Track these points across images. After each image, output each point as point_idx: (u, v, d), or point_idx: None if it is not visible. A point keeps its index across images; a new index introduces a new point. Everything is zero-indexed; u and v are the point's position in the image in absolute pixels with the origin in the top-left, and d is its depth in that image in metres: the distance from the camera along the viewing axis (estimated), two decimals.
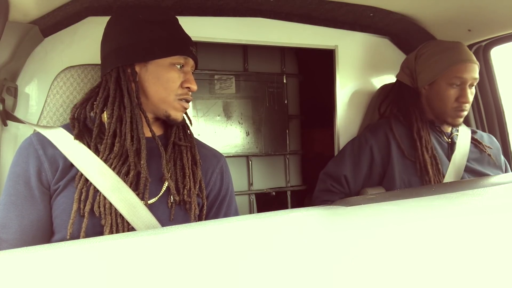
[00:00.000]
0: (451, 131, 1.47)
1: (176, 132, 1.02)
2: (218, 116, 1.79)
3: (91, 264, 0.45)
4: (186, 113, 1.09)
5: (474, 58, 1.37)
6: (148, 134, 0.99)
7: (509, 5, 1.34)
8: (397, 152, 1.36)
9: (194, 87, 0.98)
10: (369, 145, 1.38)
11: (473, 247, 0.45)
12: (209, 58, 1.76)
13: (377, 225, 0.57)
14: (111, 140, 0.91)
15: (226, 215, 1.09)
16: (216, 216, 1.07)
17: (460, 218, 0.57)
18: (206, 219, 1.03)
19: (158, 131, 1.03)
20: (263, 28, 1.50)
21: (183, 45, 0.98)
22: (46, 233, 0.90)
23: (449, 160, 1.38)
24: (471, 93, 1.37)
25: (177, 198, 0.95)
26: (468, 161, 1.40)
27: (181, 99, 0.98)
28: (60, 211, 0.88)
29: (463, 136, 1.46)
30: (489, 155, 1.47)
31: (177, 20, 1.02)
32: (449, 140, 1.44)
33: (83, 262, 0.46)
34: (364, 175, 1.39)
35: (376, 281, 0.37)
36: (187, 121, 1.09)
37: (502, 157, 1.54)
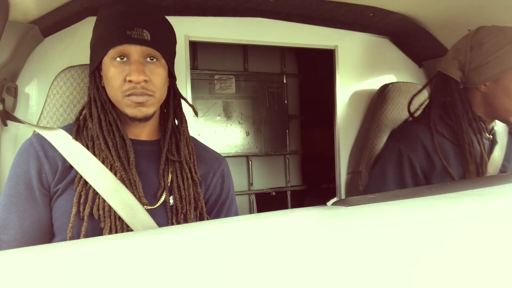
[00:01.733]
0: (492, 126, 1.32)
1: (169, 142, 0.98)
2: (218, 116, 1.79)
3: (91, 264, 0.45)
4: (180, 110, 1.02)
5: None
6: (141, 137, 0.98)
7: (509, 5, 1.34)
8: (440, 166, 1.20)
9: (134, 77, 0.85)
10: (406, 156, 1.22)
11: (473, 247, 0.45)
12: (209, 58, 1.76)
13: (377, 225, 0.57)
14: (101, 141, 0.91)
15: None
16: (215, 218, 1.06)
17: (460, 218, 0.57)
18: None
19: (153, 135, 1.00)
20: (263, 28, 1.50)
21: (115, 35, 0.87)
22: (46, 234, 0.90)
23: (489, 156, 1.26)
24: None
25: (174, 210, 0.94)
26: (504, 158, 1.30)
27: (129, 95, 0.88)
28: (59, 213, 0.88)
29: (500, 133, 1.33)
30: None
31: (120, 5, 0.91)
32: (491, 136, 1.30)
33: (83, 262, 0.46)
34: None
35: (376, 281, 0.37)
36: (184, 130, 1.01)
37: None
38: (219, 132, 1.79)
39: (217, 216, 1.07)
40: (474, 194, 0.76)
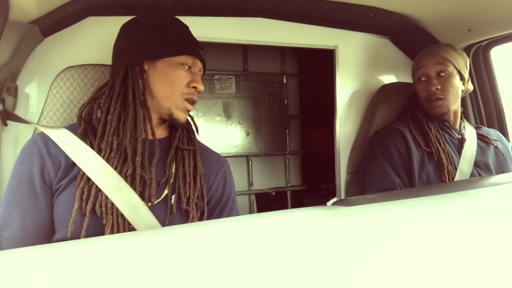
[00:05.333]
0: (460, 128, 1.50)
1: (180, 136, 1.03)
2: (218, 116, 1.79)
3: (91, 264, 0.45)
4: (192, 118, 1.10)
5: (437, 50, 1.44)
6: (150, 136, 0.99)
7: (509, 5, 1.34)
8: (416, 151, 1.41)
9: (201, 87, 0.99)
10: (392, 144, 1.42)
11: (473, 247, 0.45)
12: (209, 58, 1.75)
13: (377, 225, 0.57)
14: (111, 138, 0.92)
15: None
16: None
17: (460, 218, 0.57)
18: None
19: (162, 133, 1.03)
20: (263, 28, 1.50)
21: (192, 47, 1.00)
22: (47, 231, 0.91)
23: (460, 153, 1.42)
24: (441, 82, 1.41)
25: (175, 207, 0.95)
26: (476, 156, 1.45)
27: (186, 99, 0.98)
28: (61, 210, 0.88)
29: (469, 133, 1.49)
30: (496, 147, 1.50)
31: (186, 27, 1.05)
32: (459, 136, 1.47)
33: (83, 262, 0.46)
34: (404, 173, 1.41)
35: (376, 281, 0.37)
36: (193, 126, 1.10)
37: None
38: (219, 132, 1.79)
39: (219, 217, 1.07)
40: (474, 194, 0.76)
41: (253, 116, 1.85)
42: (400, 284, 0.36)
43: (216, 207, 1.07)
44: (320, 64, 1.86)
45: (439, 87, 1.40)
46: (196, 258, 0.46)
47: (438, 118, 1.45)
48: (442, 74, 1.41)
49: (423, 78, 1.45)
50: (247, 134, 1.84)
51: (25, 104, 1.19)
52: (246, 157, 1.84)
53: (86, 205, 0.87)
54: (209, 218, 1.05)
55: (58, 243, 0.56)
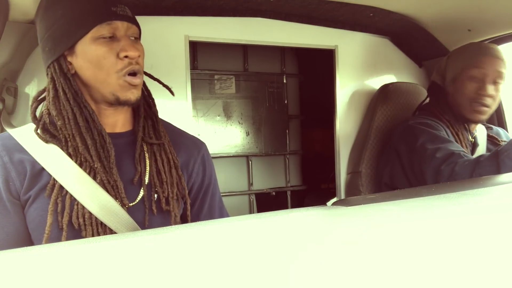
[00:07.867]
0: (474, 131, 1.47)
1: (145, 127, 0.91)
2: (218, 116, 1.79)
3: (91, 264, 0.45)
4: (147, 91, 0.95)
5: (499, 54, 1.35)
6: (116, 129, 0.90)
7: (509, 5, 1.34)
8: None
9: (131, 52, 0.81)
10: (438, 127, 1.36)
11: (473, 247, 0.45)
12: (209, 58, 1.76)
13: (377, 225, 0.57)
14: (74, 143, 0.82)
15: (211, 205, 1.02)
16: (201, 208, 1.01)
17: (460, 218, 0.57)
18: (191, 212, 0.96)
19: (125, 126, 0.92)
20: (263, 28, 1.50)
21: (101, 11, 0.81)
22: (27, 243, 0.83)
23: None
24: (495, 90, 1.33)
25: (155, 207, 0.88)
26: None
27: (125, 74, 0.82)
28: (35, 224, 0.81)
29: (481, 135, 1.48)
30: None
31: None
32: (473, 139, 1.45)
33: (82, 262, 0.46)
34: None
35: (376, 281, 0.37)
36: (156, 113, 0.95)
37: None
38: (219, 132, 1.79)
39: (202, 203, 1.01)
40: (474, 194, 0.76)
41: (253, 116, 1.85)
42: (400, 284, 0.36)
43: (198, 194, 1.01)
44: (320, 64, 1.86)
45: (493, 94, 1.32)
46: (196, 258, 0.46)
47: (468, 123, 1.41)
48: (499, 81, 1.33)
49: (477, 78, 1.33)
50: (247, 134, 1.84)
51: (25, 104, 1.19)
52: (246, 157, 1.84)
53: (62, 217, 0.78)
54: (192, 207, 0.98)
55: (58, 243, 0.56)
